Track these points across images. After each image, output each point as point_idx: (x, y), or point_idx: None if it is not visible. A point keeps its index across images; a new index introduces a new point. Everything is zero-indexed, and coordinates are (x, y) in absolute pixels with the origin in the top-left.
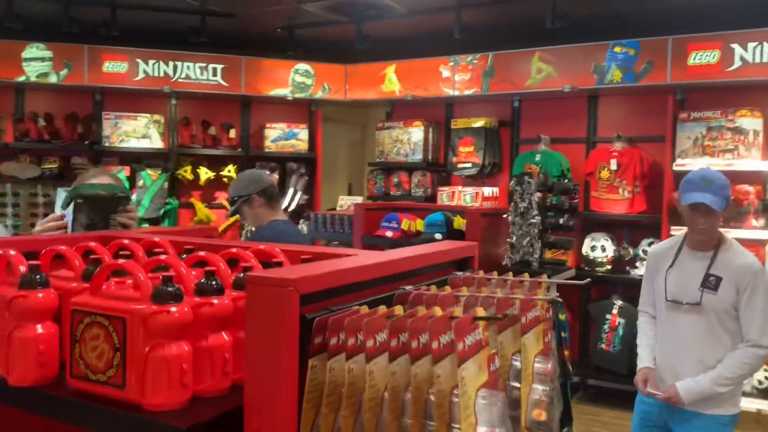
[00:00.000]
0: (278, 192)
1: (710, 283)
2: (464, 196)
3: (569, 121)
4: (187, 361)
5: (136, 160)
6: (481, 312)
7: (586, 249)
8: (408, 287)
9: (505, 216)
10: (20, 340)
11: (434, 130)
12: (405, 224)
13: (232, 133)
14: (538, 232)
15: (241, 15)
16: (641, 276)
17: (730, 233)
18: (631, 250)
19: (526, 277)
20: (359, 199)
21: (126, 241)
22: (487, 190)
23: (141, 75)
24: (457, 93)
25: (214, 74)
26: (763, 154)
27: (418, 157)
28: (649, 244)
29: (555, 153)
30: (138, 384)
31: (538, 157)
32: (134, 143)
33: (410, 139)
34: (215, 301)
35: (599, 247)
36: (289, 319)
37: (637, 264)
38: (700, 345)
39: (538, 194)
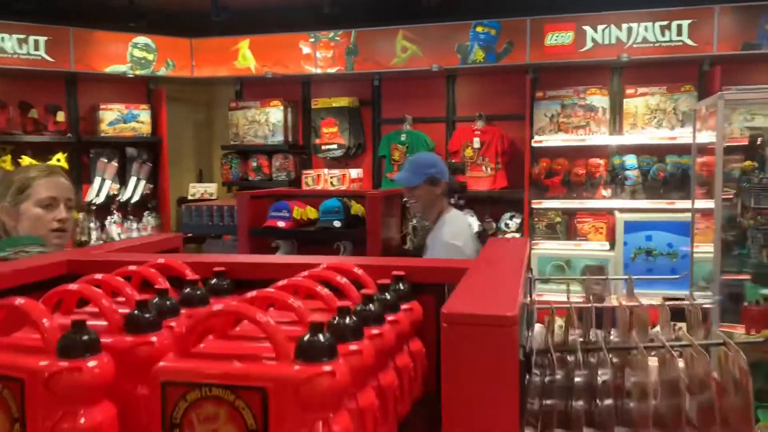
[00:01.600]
0: None
1: (425, 251)
2: (331, 179)
3: (430, 101)
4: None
5: None
6: None
7: None
8: None
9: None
10: None
11: (293, 110)
12: (297, 213)
13: (60, 116)
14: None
15: None
16: None
17: (585, 203)
18: (494, 225)
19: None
20: (213, 187)
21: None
22: (354, 172)
23: None
24: (319, 71)
25: (36, 48)
26: (609, 129)
27: (279, 138)
28: (511, 218)
29: (420, 133)
30: None
31: (403, 137)
32: None
33: (268, 119)
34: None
35: None
36: (508, 368)
37: (499, 236)
38: None
39: None
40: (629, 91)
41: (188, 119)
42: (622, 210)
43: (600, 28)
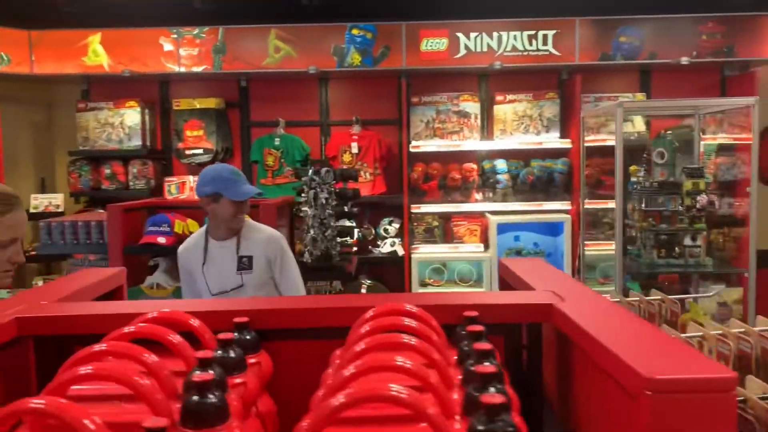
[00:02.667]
0: None
1: (244, 264)
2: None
3: (302, 104)
4: None
5: None
6: None
7: None
8: None
9: (306, 209)
10: None
11: (150, 111)
12: (179, 227)
13: None
14: (335, 223)
15: None
16: (385, 253)
17: (460, 207)
18: (373, 231)
19: None
20: (59, 197)
21: None
22: None
23: None
24: (183, 69)
25: None
26: (481, 134)
27: (136, 143)
28: (390, 223)
29: (295, 137)
30: None
31: (277, 141)
32: None
33: (123, 122)
34: None
35: None
36: None
37: (379, 242)
38: None
39: (334, 184)
40: (498, 97)
41: (26, 121)
42: (494, 212)
43: (473, 35)
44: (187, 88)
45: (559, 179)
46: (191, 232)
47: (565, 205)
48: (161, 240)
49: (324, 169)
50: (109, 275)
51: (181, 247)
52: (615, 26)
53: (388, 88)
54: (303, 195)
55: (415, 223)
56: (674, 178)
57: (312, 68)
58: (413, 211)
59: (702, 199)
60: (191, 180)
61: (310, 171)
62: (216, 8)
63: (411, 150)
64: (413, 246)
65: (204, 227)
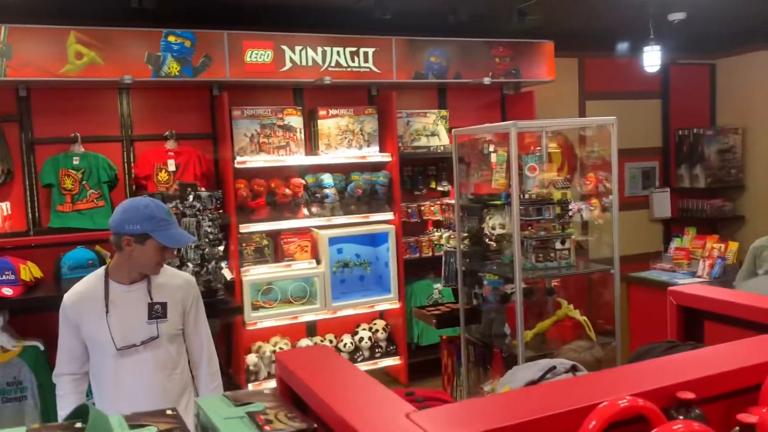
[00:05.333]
0: None
1: (157, 311)
2: None
3: (98, 117)
4: None
5: None
6: None
7: None
8: None
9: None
10: None
11: None
12: (25, 273)
13: None
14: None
15: None
16: None
17: (289, 224)
18: None
19: None
20: None
21: None
22: (4, 207)
23: None
24: None
25: None
26: (306, 149)
27: None
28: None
29: (100, 156)
30: None
31: (76, 161)
32: None
33: None
34: None
35: None
36: None
37: None
38: (164, 377)
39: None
40: (322, 112)
41: None
42: (323, 227)
43: (297, 48)
44: None
45: (382, 191)
46: (38, 278)
47: (388, 215)
48: (7, 291)
49: (206, 193)
50: None
51: (69, 296)
52: (426, 47)
53: (204, 99)
54: None
55: (244, 244)
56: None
57: (127, 77)
58: (242, 231)
59: (573, 207)
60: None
61: (191, 196)
62: None
63: (236, 166)
64: (243, 268)
65: (101, 269)
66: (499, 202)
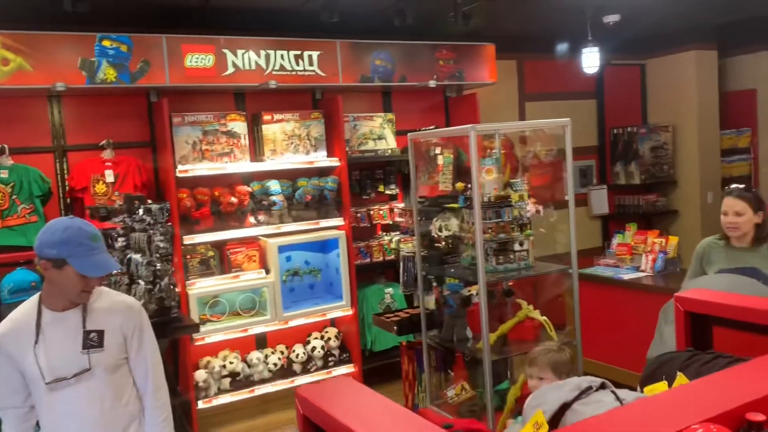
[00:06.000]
0: None
1: (93, 340)
2: None
3: (28, 126)
4: None
5: None
6: None
7: None
8: None
9: (136, 257)
10: None
11: None
12: None
13: None
14: (170, 271)
15: None
16: None
17: (236, 233)
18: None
19: None
20: None
21: None
22: None
23: None
24: None
25: None
26: (251, 155)
27: None
28: None
29: (31, 168)
30: None
31: (4, 174)
32: None
33: None
34: None
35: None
36: None
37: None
38: (103, 411)
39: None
40: (266, 117)
41: None
42: (271, 235)
43: (240, 52)
44: None
45: (331, 197)
46: None
47: (338, 221)
48: None
49: (156, 206)
50: None
51: (3, 324)
52: (370, 49)
53: (142, 106)
54: (122, 239)
55: (189, 256)
56: (503, 192)
57: (60, 84)
58: (186, 242)
59: (531, 208)
60: None
61: (141, 210)
62: None
63: (178, 175)
64: (189, 281)
65: (37, 295)
66: (456, 206)
